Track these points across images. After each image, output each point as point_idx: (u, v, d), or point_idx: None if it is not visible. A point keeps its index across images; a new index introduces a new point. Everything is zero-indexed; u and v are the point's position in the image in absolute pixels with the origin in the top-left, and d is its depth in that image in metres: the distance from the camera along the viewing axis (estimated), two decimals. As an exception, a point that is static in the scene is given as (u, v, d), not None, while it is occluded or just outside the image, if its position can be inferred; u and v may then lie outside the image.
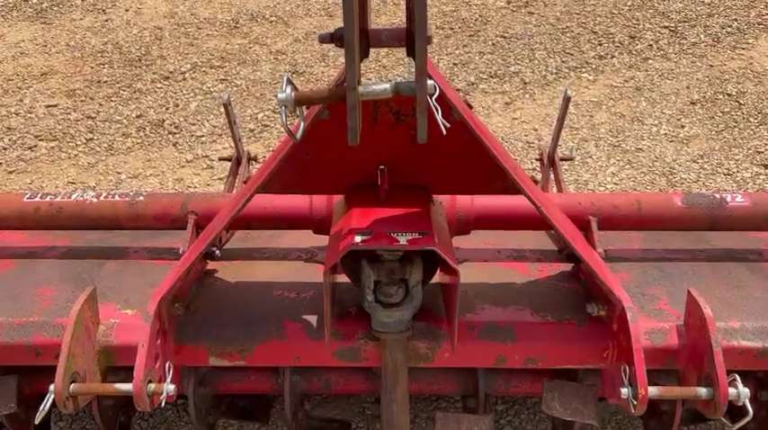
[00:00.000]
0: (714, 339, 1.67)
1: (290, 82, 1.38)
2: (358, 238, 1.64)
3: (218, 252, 2.14)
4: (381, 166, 1.83)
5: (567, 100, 2.50)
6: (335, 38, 1.40)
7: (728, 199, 2.19)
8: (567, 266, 2.17)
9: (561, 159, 2.70)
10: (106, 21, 6.02)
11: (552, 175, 2.68)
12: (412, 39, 1.40)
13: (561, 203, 2.17)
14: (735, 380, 1.67)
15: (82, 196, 2.25)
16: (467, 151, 1.75)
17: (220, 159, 3.04)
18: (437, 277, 1.89)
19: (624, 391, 1.68)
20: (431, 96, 1.35)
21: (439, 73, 1.64)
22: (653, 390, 1.65)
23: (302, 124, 1.46)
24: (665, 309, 1.96)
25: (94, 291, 1.84)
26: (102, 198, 2.24)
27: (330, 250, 1.77)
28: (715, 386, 1.65)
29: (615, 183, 3.93)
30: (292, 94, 1.37)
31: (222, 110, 3.51)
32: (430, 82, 1.35)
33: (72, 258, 2.22)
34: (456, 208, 2.16)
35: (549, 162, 2.70)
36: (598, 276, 1.78)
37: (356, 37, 1.34)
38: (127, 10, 6.21)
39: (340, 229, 1.77)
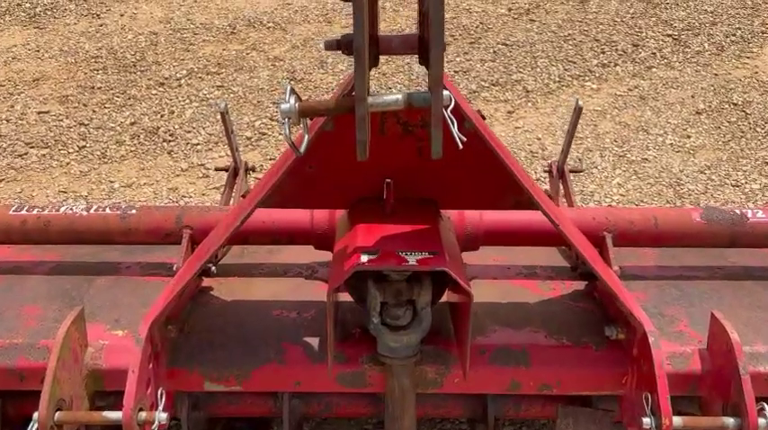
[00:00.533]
0: (742, 366, 1.57)
1: (293, 92, 1.28)
2: (364, 258, 1.54)
3: (213, 268, 2.04)
4: (387, 180, 1.73)
5: (578, 110, 2.41)
6: (342, 45, 1.30)
7: (749, 214, 2.10)
8: (580, 284, 2.07)
9: (571, 171, 2.61)
10: (100, 26, 5.91)
11: (562, 188, 2.58)
12: (425, 46, 1.31)
13: (574, 218, 2.07)
14: (763, 409, 1.57)
15: (71, 209, 2.14)
16: (479, 164, 1.65)
17: (216, 170, 2.93)
18: (445, 295, 1.80)
19: (646, 421, 1.57)
20: (446, 108, 1.25)
21: (450, 82, 1.54)
22: (677, 420, 1.55)
23: (306, 137, 1.36)
24: (686, 331, 1.86)
25: (82, 311, 1.73)
26: (92, 211, 2.13)
27: (334, 270, 1.67)
28: (743, 416, 1.56)
29: (621, 195, 3.84)
30: (296, 105, 1.27)
31: (219, 117, 3.41)
32: (445, 93, 1.26)
33: (60, 274, 2.11)
34: (465, 223, 2.06)
35: (559, 174, 2.61)
36: (618, 297, 1.68)
37: (366, 43, 1.25)
38: (122, 15, 6.11)
39: (344, 247, 1.67)
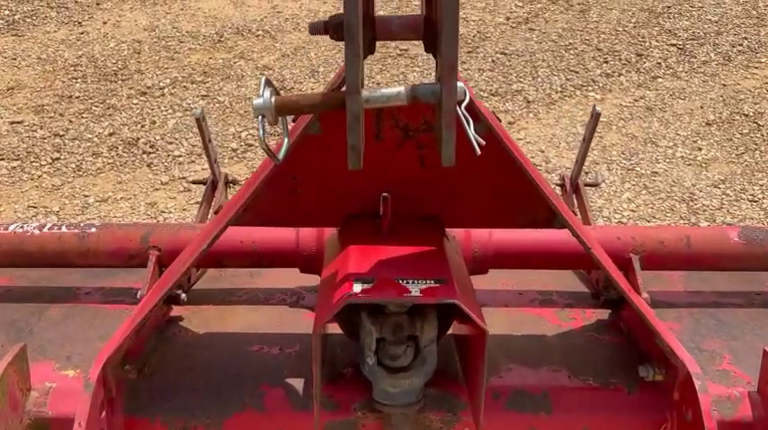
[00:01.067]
0: (807, 415, 1.32)
1: (269, 84, 1.02)
2: (357, 287, 1.28)
3: (183, 295, 1.77)
4: (384, 194, 1.48)
5: (595, 117, 2.17)
6: (331, 27, 1.06)
7: (794, 234, 1.85)
8: (603, 313, 1.81)
9: (586, 185, 2.36)
10: (82, 33, 5.67)
11: (576, 204, 2.33)
12: (433, 28, 1.06)
13: (597, 238, 1.82)
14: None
15: (22, 227, 1.88)
16: (495, 175, 1.40)
17: (194, 183, 2.67)
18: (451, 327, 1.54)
19: (693, 480, 1.32)
20: (460, 104, 1.00)
21: (461, 76, 1.29)
22: None
23: (286, 141, 1.11)
24: (731, 369, 1.61)
25: (24, 349, 1.46)
26: (46, 230, 1.87)
27: (321, 301, 1.41)
28: (808, 474, 1.30)
29: (632, 210, 3.60)
30: (272, 100, 1.01)
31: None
32: (459, 85, 1.00)
33: (9, 301, 1.85)
34: (471, 243, 1.81)
35: (573, 188, 2.36)
36: (657, 333, 1.42)
37: (360, 24, 1.00)
38: (105, 22, 5.87)
39: (333, 273, 1.41)
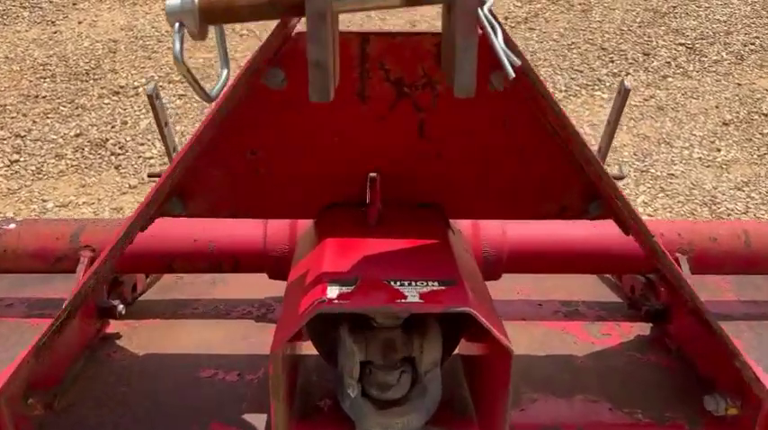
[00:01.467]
0: None
1: (192, -22, 0.68)
2: (333, 291, 0.94)
3: (121, 307, 1.42)
4: (372, 173, 1.13)
5: (624, 94, 1.83)
6: None
7: None
8: (644, 327, 1.47)
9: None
10: (54, 33, 5.33)
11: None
12: None
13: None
14: None
15: (-77, 223, 1.52)
16: (520, 137, 1.06)
17: (150, 176, 2.31)
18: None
19: None
20: (482, 5, 0.66)
21: None
22: None
23: (224, 74, 0.76)
24: (816, 399, 1.26)
25: None
26: (-48, 226, 1.52)
27: (286, 311, 1.05)
28: None
29: (649, 215, 3.27)
30: (195, 0, 0.67)
31: (177, 127, 2.81)
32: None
33: None
34: (481, 241, 1.46)
35: (595, 181, 2.02)
36: (738, 354, 1.08)
37: None
38: (80, 22, 5.53)
39: (303, 274, 1.06)
